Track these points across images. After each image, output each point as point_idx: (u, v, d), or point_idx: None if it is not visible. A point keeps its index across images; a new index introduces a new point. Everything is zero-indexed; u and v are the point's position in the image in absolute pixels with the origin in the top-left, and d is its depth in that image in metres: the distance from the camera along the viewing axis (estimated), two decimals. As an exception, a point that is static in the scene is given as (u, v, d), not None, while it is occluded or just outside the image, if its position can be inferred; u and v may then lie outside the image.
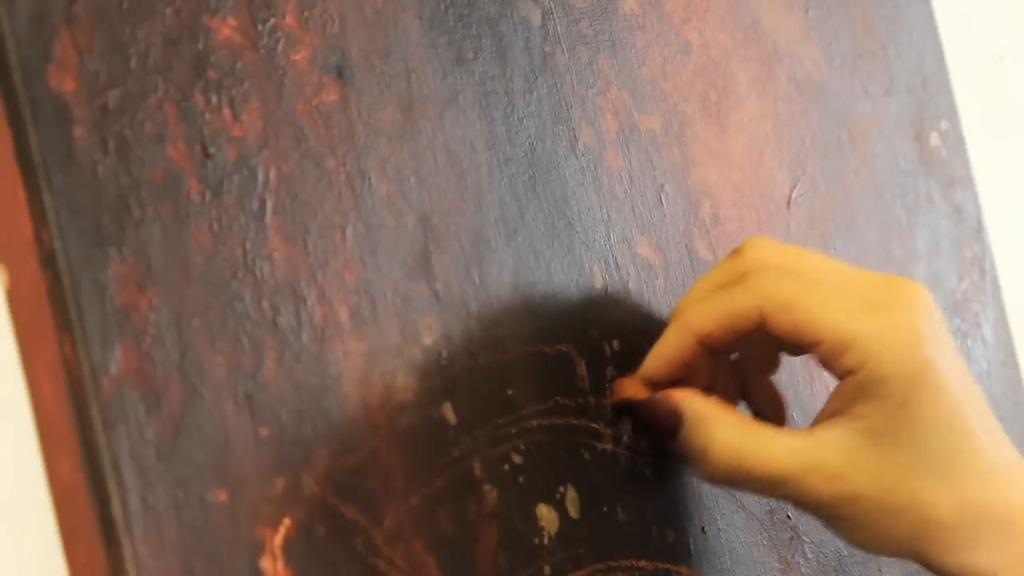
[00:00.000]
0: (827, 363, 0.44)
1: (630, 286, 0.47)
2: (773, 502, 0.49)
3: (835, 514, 0.43)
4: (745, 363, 0.48)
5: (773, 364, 0.49)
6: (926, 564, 0.44)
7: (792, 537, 0.50)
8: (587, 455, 0.44)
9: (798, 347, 0.44)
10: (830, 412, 0.44)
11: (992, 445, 0.44)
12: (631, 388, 0.46)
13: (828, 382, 0.53)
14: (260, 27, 0.39)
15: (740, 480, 0.44)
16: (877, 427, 0.43)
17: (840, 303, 0.43)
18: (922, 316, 0.43)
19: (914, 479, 0.43)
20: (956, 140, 0.63)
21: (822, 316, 0.43)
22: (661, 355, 0.45)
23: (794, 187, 0.54)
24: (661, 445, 0.46)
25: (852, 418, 0.43)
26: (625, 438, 0.45)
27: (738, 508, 0.48)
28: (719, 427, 0.44)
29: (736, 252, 0.45)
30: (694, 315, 0.45)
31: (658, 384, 0.45)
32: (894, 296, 0.43)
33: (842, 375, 0.43)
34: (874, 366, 0.42)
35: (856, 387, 0.43)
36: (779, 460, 0.43)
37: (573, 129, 0.47)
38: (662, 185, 0.49)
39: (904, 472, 0.43)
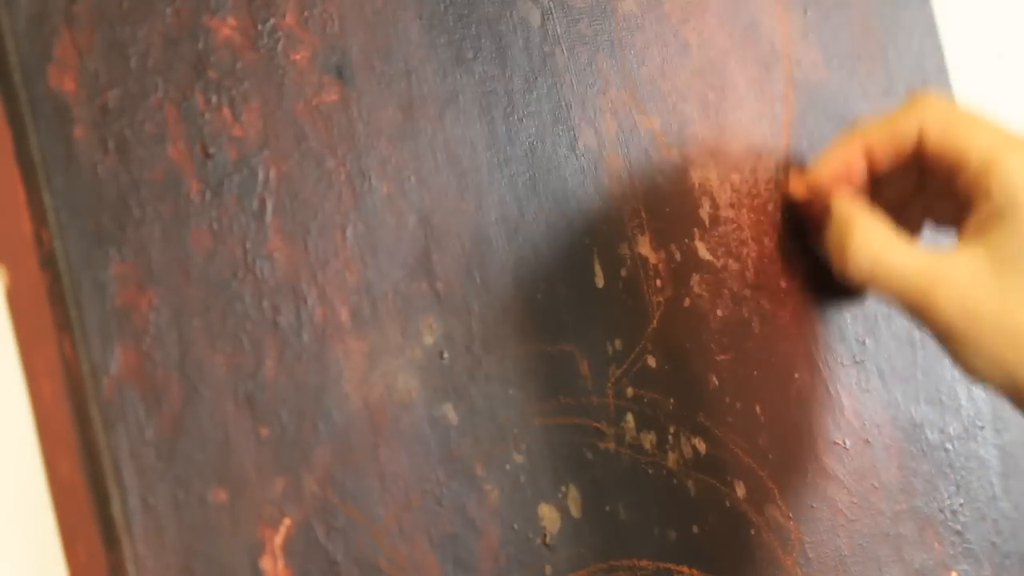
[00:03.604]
0: (969, 188, 0.46)
1: (631, 285, 0.47)
2: (772, 502, 0.49)
3: (955, 334, 0.45)
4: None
5: (917, 228, 0.52)
6: None
7: (792, 537, 0.50)
8: (589, 454, 0.44)
9: (947, 173, 0.47)
10: (964, 237, 0.46)
11: None
12: (796, 185, 0.51)
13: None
14: (260, 27, 0.39)
15: (871, 282, 0.47)
16: (1006, 251, 0.45)
17: (991, 134, 0.46)
18: None
19: None
20: (955, 140, 0.63)
21: (973, 139, 0.46)
22: (827, 157, 0.50)
23: (794, 187, 0.54)
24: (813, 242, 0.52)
25: (984, 241, 0.45)
26: (627, 438, 0.45)
27: (740, 509, 0.48)
28: (861, 229, 0.47)
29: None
30: (864, 127, 0.49)
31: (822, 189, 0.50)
32: None
33: (980, 200, 0.45)
34: (1012, 190, 0.44)
35: (992, 211, 0.45)
36: (910, 269, 0.46)
37: (573, 129, 0.47)
38: (661, 185, 0.49)
39: None
